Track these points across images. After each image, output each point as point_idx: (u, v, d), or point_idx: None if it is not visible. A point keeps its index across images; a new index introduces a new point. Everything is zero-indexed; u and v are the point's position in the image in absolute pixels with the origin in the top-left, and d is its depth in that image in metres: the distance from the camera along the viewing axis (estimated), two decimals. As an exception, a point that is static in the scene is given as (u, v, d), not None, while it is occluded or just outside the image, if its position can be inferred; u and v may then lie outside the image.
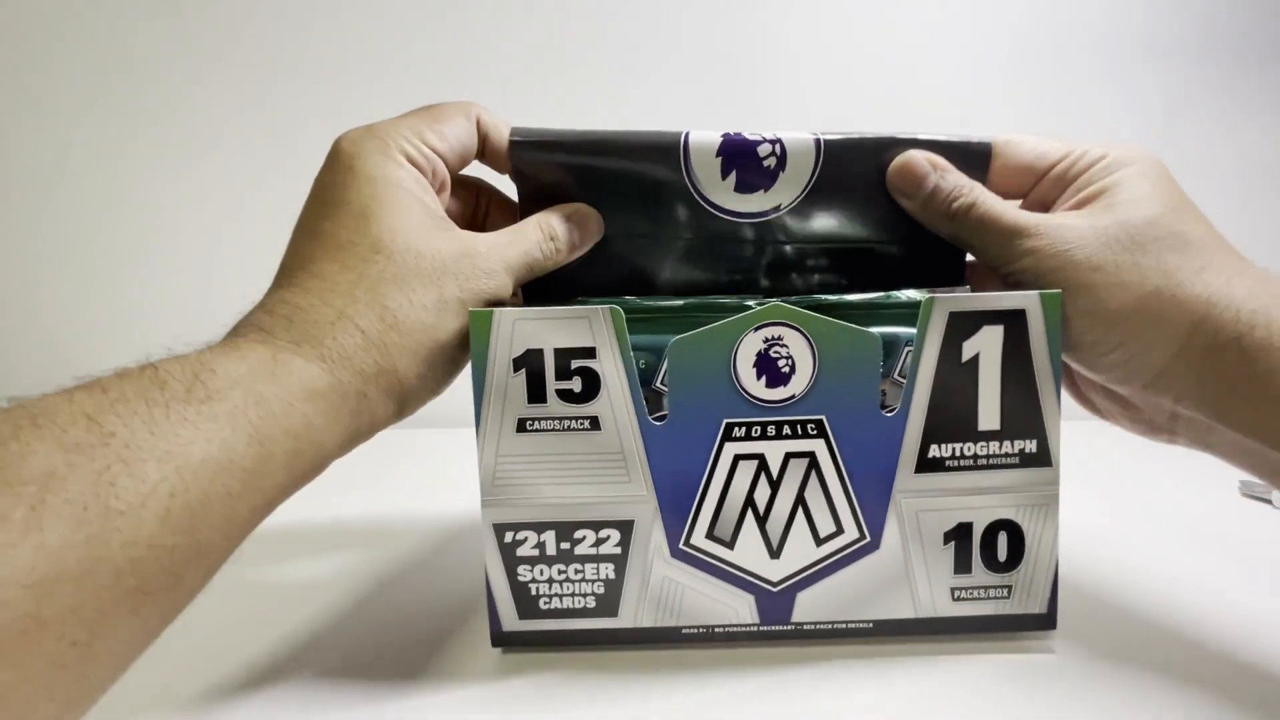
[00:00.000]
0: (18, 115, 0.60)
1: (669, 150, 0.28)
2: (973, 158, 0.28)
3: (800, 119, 0.56)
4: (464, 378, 0.34)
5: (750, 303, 0.26)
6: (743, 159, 0.28)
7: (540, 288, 0.30)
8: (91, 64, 0.59)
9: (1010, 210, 0.27)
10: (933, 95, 0.57)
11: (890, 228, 0.30)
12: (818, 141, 0.28)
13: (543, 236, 0.28)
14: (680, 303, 0.28)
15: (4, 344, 0.63)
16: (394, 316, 0.24)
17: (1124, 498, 0.43)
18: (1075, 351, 0.26)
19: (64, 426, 0.17)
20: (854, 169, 0.29)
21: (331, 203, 0.25)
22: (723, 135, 0.28)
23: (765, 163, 0.28)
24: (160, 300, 0.62)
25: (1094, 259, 0.25)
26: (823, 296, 0.28)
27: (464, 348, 0.25)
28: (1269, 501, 0.40)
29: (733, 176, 0.29)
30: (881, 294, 0.28)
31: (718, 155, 0.28)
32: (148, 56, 0.59)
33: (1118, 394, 0.28)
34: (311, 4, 0.58)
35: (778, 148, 0.28)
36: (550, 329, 0.25)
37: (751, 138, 0.28)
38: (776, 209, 0.29)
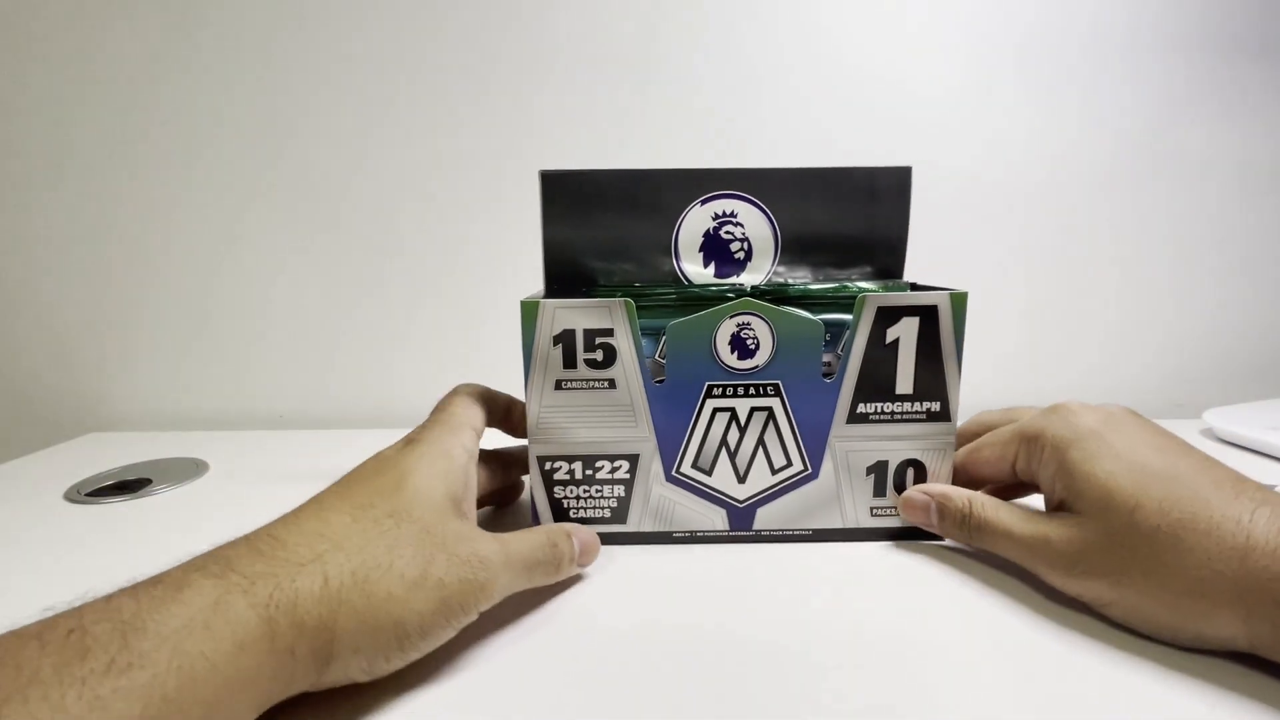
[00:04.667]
0: (16, 112, 0.58)
1: (664, 244, 0.38)
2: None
3: (798, 117, 0.58)
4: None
5: (729, 294, 0.35)
6: (718, 253, 0.39)
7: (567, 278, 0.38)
8: (91, 62, 0.58)
9: (1013, 511, 0.31)
10: (932, 91, 0.58)
11: (843, 263, 0.39)
12: (775, 236, 0.38)
13: (547, 542, 0.30)
14: (675, 294, 0.36)
15: (4, 343, 0.63)
16: (366, 575, 0.23)
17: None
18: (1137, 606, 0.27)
19: None
20: (806, 257, 0.38)
21: (382, 459, 0.29)
22: (704, 234, 0.38)
23: (736, 255, 0.38)
24: (161, 299, 0.61)
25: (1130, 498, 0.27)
26: (792, 284, 0.37)
27: (423, 635, 0.24)
28: None
29: (712, 266, 0.39)
30: (838, 285, 0.36)
31: (700, 251, 0.38)
32: (148, 55, 0.58)
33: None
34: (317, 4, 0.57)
35: (746, 244, 0.38)
36: (580, 314, 0.34)
37: (725, 237, 0.38)
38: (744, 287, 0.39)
